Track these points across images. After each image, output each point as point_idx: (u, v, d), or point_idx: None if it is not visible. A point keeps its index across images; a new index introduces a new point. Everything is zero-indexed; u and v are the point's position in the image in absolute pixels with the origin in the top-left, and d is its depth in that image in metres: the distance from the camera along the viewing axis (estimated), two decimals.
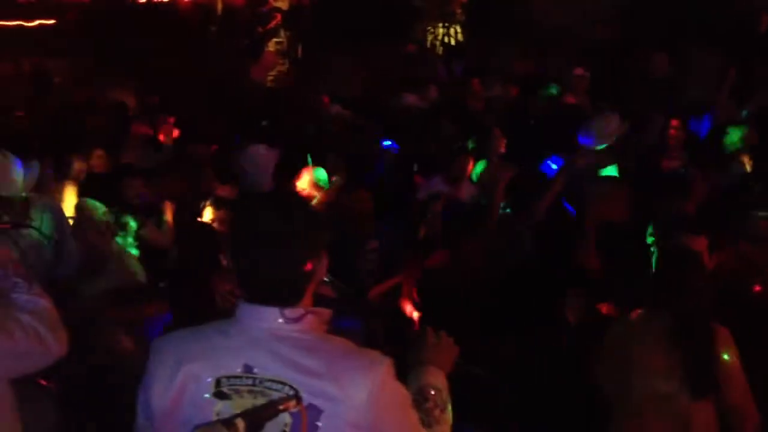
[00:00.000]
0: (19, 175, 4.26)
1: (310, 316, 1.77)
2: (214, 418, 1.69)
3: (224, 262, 3.95)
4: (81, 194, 5.43)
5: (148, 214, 5.12)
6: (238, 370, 1.74)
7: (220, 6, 12.38)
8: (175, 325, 3.51)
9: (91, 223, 4.12)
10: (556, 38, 9.56)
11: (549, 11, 10.03)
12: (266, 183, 6.09)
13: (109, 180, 5.72)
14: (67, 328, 2.15)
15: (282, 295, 1.76)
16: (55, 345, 2.04)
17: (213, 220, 4.76)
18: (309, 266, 1.77)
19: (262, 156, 6.49)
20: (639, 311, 3.17)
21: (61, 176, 5.72)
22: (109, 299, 3.77)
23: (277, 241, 1.74)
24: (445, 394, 1.95)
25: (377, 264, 4.61)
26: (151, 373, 1.82)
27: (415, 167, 6.53)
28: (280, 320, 1.75)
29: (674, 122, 6.13)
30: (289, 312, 1.75)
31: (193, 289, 3.95)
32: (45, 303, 2.08)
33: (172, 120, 7.25)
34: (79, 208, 4.49)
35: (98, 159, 6.28)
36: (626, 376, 3.05)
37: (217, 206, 4.82)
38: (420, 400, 1.89)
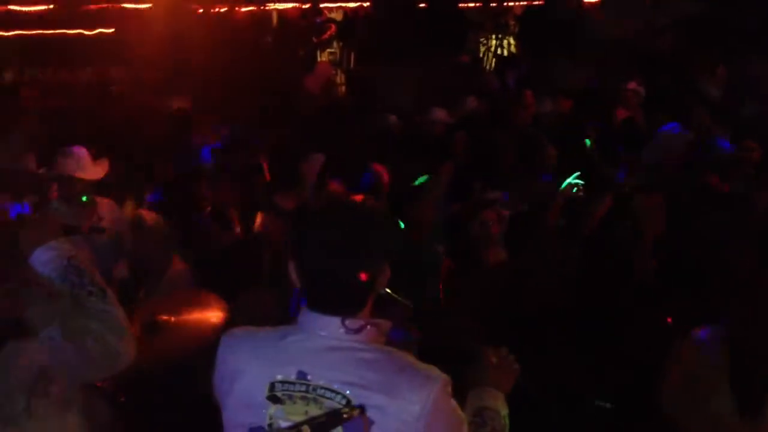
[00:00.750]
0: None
1: (370, 328, 1.77)
2: (267, 421, 1.73)
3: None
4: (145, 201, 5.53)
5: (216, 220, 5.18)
6: (293, 376, 1.75)
7: (275, 17, 12.55)
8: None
9: (150, 231, 4.17)
10: (615, 50, 9.40)
11: (608, 22, 9.88)
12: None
13: (176, 186, 5.78)
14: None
15: (343, 305, 1.76)
16: (124, 354, 2.10)
17: (271, 230, 4.76)
18: (372, 276, 1.77)
19: (319, 165, 6.51)
20: (704, 326, 3.05)
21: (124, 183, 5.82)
22: (161, 306, 3.80)
23: (342, 250, 1.75)
24: (504, 418, 1.90)
25: None
26: (216, 370, 1.88)
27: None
28: (341, 330, 1.76)
29: (750, 144, 5.92)
30: (350, 322, 1.76)
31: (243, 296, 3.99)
32: (117, 312, 2.12)
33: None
34: (139, 215, 4.57)
35: (161, 167, 6.36)
36: (691, 395, 2.94)
37: (276, 215, 4.83)
38: (478, 423, 1.86)
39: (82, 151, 4.74)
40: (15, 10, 11.10)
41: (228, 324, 3.65)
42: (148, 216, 4.39)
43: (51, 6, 11.23)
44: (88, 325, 2.02)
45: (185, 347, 3.59)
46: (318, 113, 8.91)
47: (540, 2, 12.06)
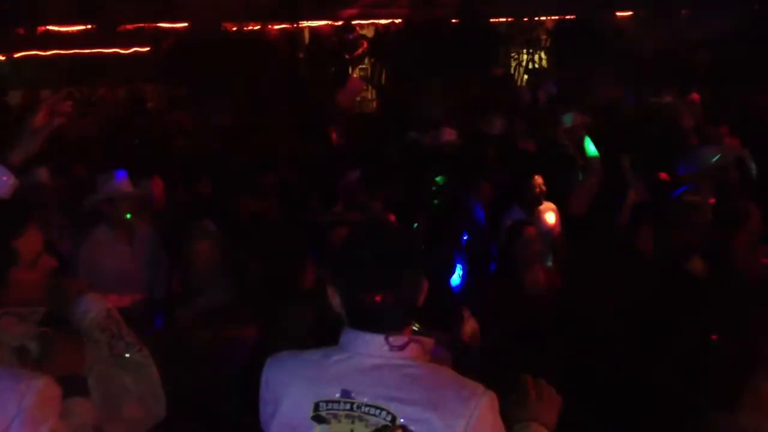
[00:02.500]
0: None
1: (413, 344, 1.76)
2: None
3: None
4: (190, 216, 5.57)
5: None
6: (337, 395, 1.75)
7: (307, 34, 12.67)
8: (264, 346, 3.53)
9: (200, 244, 4.20)
10: (651, 64, 9.32)
11: (644, 35, 9.81)
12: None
13: (217, 200, 5.81)
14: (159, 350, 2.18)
15: (386, 322, 1.75)
16: (158, 411, 2.09)
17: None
18: (413, 293, 1.78)
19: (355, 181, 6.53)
20: None
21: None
22: (202, 320, 3.81)
23: (385, 268, 1.75)
24: None
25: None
26: (261, 392, 1.87)
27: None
28: (385, 347, 1.74)
29: None
30: (394, 339, 1.75)
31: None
32: (153, 369, 2.11)
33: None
34: (190, 229, 4.59)
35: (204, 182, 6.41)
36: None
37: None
38: None
39: (122, 174, 4.78)
40: (53, 30, 11.32)
41: (263, 340, 3.67)
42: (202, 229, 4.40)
43: (89, 26, 11.44)
44: (124, 382, 2.01)
45: (220, 363, 3.60)
46: (350, 128, 8.95)
47: (572, 16, 12.03)
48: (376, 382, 1.72)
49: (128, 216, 4.69)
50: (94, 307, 2.13)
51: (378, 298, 1.74)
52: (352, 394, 1.73)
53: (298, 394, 1.78)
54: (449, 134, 7.07)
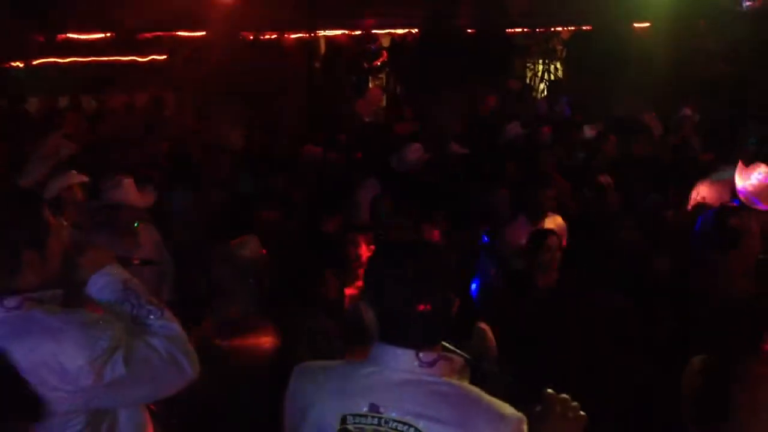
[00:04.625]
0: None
1: (443, 362, 1.76)
2: None
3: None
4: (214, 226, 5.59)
5: None
6: (364, 409, 1.74)
7: (322, 43, 12.71)
8: (283, 357, 3.52)
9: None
10: (668, 75, 9.28)
11: (662, 46, 9.77)
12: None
13: (240, 209, 5.82)
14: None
15: (418, 338, 1.75)
16: (188, 368, 2.08)
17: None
18: (446, 310, 1.78)
19: (373, 190, 6.52)
20: None
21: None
22: (219, 328, 3.80)
23: (420, 284, 1.75)
24: None
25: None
26: (286, 402, 1.87)
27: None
28: (415, 363, 1.74)
29: None
30: (424, 355, 1.74)
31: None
32: (177, 328, 2.13)
33: None
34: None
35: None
36: None
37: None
38: None
39: (128, 180, 4.79)
40: (73, 39, 11.41)
41: (282, 350, 3.65)
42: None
43: (108, 34, 11.52)
44: (151, 342, 2.04)
45: (238, 372, 3.59)
46: (367, 138, 8.95)
47: (588, 27, 12.01)
48: (405, 398, 1.71)
49: (135, 225, 4.70)
50: (109, 281, 2.16)
51: (411, 314, 1.73)
52: (380, 409, 1.72)
53: (325, 406, 1.77)
54: (415, 152, 6.75)
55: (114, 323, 2.01)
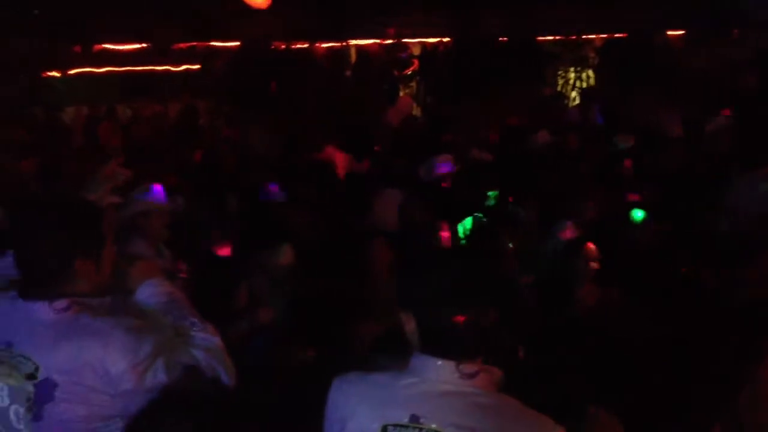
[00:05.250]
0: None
1: (483, 374, 1.75)
2: None
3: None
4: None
5: None
6: (405, 420, 1.73)
7: (353, 52, 12.76)
8: (321, 365, 3.55)
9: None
10: (700, 84, 9.17)
11: (693, 55, 9.67)
12: (392, 224, 6.09)
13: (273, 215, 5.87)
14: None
15: (459, 350, 1.74)
16: (227, 380, 2.14)
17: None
18: (487, 322, 1.76)
19: (395, 199, 6.53)
20: None
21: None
22: (254, 336, 3.83)
23: (463, 295, 1.74)
24: None
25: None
26: (326, 412, 1.87)
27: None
28: (455, 374, 1.73)
29: None
30: (464, 367, 1.73)
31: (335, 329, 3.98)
32: (217, 341, 2.18)
33: None
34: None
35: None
36: None
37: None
38: None
39: (158, 188, 4.84)
40: (109, 49, 11.59)
41: (320, 358, 3.68)
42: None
43: (144, 44, 11.69)
44: (192, 353, 2.09)
45: (273, 380, 3.61)
46: (396, 146, 8.96)
47: (621, 35, 11.92)
48: (446, 409, 1.70)
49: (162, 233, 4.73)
50: (155, 292, 2.24)
51: (452, 325, 1.73)
52: (421, 420, 1.71)
53: (365, 416, 1.77)
54: (444, 162, 6.69)
55: (158, 331, 2.07)
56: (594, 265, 4.20)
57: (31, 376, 1.99)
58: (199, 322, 2.18)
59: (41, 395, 1.98)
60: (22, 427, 2.01)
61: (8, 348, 2.02)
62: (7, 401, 2.01)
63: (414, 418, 1.72)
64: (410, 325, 1.79)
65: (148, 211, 4.68)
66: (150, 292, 2.25)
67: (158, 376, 1.99)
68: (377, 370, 1.86)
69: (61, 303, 2.01)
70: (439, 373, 1.74)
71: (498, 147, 7.88)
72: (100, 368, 1.96)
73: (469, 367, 1.73)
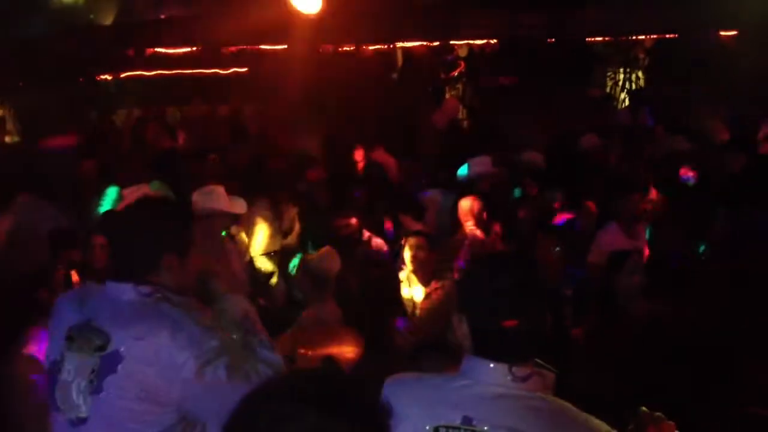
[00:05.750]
0: None
1: (536, 377, 1.76)
2: None
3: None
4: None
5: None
6: (457, 421, 1.74)
7: (399, 54, 12.77)
8: (365, 364, 3.56)
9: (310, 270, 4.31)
10: (753, 84, 8.96)
11: (750, 53, 9.44)
12: (432, 226, 6.09)
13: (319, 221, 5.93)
14: None
15: (513, 353, 1.75)
16: None
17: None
18: (541, 326, 1.78)
19: (437, 200, 6.54)
20: None
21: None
22: (301, 338, 3.87)
23: (517, 299, 1.76)
24: None
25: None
26: None
27: None
28: (508, 377, 1.74)
29: None
30: (517, 370, 1.74)
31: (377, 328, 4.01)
32: (280, 360, 2.24)
33: None
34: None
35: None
36: None
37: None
38: None
39: (220, 188, 4.91)
40: (160, 52, 11.79)
41: (364, 359, 3.69)
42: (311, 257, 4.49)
43: (195, 48, 11.87)
44: (256, 366, 2.15)
45: None
46: (442, 148, 8.95)
47: (673, 36, 11.71)
48: (499, 412, 1.71)
49: (224, 233, 4.82)
50: (236, 307, 2.36)
51: (507, 328, 1.74)
52: (474, 422, 1.72)
53: (418, 416, 1.78)
54: (482, 165, 6.58)
55: (229, 333, 2.14)
56: (637, 279, 4.07)
57: (100, 348, 2.09)
58: (267, 341, 2.25)
59: (105, 366, 2.07)
60: (81, 402, 2.09)
61: (88, 322, 2.15)
62: (72, 375, 2.11)
63: (466, 420, 1.73)
64: (462, 328, 1.80)
65: (212, 212, 4.75)
66: (229, 304, 2.36)
67: (219, 374, 2.04)
68: (425, 371, 1.87)
69: (146, 288, 2.16)
70: (491, 376, 1.75)
71: (546, 150, 7.78)
72: (165, 353, 2.03)
73: (521, 371, 1.74)
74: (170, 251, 2.20)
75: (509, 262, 1.86)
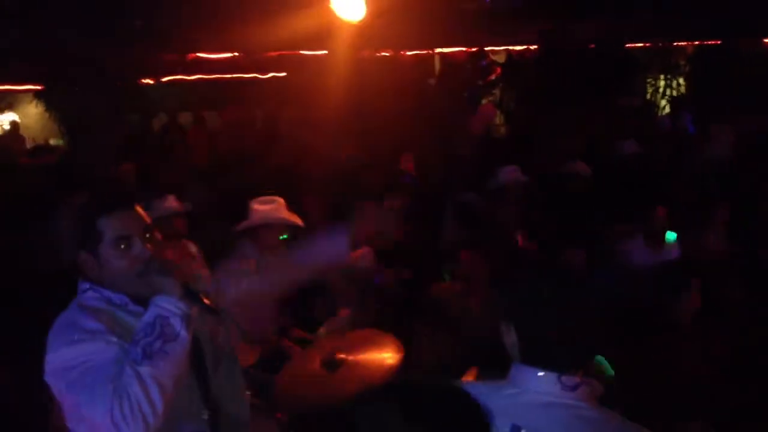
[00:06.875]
0: None
1: (584, 386, 1.75)
2: None
3: None
4: None
5: None
6: (506, 429, 1.75)
7: (437, 60, 12.79)
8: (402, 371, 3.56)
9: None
10: None
11: None
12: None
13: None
14: None
15: (562, 362, 1.75)
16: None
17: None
18: (589, 337, 1.78)
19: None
20: None
21: None
22: (340, 343, 3.88)
23: (566, 309, 1.76)
24: None
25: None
26: None
27: None
28: (557, 386, 1.74)
29: None
30: (566, 379, 1.74)
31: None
32: (153, 383, 2.07)
33: None
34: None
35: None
36: None
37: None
38: None
39: (279, 199, 4.88)
40: (202, 57, 11.95)
41: (403, 365, 3.69)
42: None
43: (236, 53, 12.00)
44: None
45: (361, 386, 3.64)
46: (479, 155, 8.90)
47: (714, 42, 11.55)
48: (548, 421, 1.71)
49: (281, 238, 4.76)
50: (158, 309, 2.16)
51: (555, 337, 1.74)
52: (522, 430, 1.72)
53: None
54: (509, 173, 6.43)
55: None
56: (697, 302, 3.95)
57: None
58: (148, 358, 2.04)
59: None
60: None
61: None
62: None
63: (515, 429, 1.73)
64: (510, 337, 1.80)
65: (269, 224, 4.69)
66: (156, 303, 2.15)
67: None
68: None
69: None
70: (540, 384, 1.75)
71: (586, 158, 7.71)
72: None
73: (570, 379, 1.73)
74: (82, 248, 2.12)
75: (557, 272, 1.88)
